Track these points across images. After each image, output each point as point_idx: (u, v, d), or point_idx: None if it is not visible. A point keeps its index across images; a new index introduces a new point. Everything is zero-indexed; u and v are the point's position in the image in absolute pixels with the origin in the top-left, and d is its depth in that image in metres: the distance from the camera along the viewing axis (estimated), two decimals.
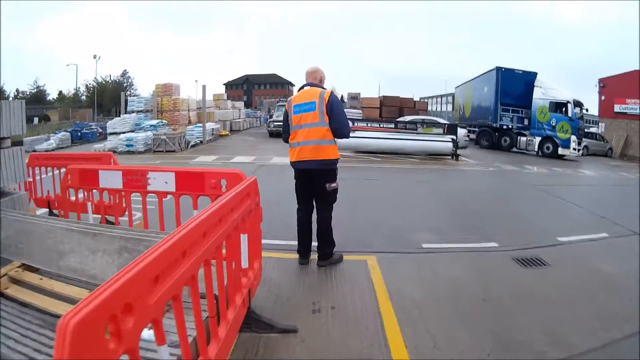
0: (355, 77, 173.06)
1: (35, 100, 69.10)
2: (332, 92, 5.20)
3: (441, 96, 77.57)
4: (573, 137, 24.80)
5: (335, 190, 5.56)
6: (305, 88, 5.40)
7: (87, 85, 73.05)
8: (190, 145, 23.85)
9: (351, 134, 19.50)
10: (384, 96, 36.65)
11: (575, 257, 6.46)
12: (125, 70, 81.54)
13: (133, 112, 27.28)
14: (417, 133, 20.52)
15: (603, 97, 38.64)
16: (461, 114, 36.73)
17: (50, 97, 76.75)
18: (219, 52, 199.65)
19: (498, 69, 27.66)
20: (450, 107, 50.54)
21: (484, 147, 28.11)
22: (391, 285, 5.06)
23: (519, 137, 27.64)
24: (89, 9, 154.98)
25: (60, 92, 78.69)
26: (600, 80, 38.90)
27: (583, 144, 27.16)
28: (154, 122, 24.92)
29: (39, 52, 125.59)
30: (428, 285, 5.16)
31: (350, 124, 19.87)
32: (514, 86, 27.38)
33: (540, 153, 25.85)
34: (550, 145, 25.50)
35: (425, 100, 51.19)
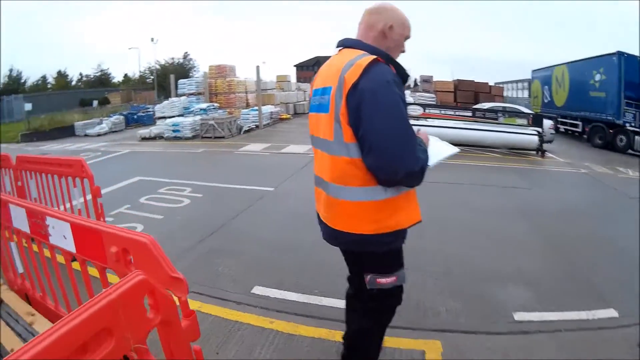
0: (425, 60, 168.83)
1: (100, 84, 70.92)
2: (372, 65, 2.31)
3: (517, 81, 73.93)
4: None
5: (389, 292, 2.70)
6: (335, 53, 2.73)
7: (149, 68, 73.73)
8: (242, 130, 22.22)
9: (420, 122, 16.56)
10: (458, 80, 34.67)
11: None
12: (186, 52, 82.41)
13: (184, 95, 25.79)
14: (497, 123, 17.84)
15: None
16: (546, 102, 32.60)
17: (115, 80, 78.01)
18: (290, 34, 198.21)
19: (620, 54, 23.24)
20: (527, 94, 47.33)
21: (596, 146, 23.98)
22: None
23: (635, 137, 23.06)
24: None
25: (126, 75, 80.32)
26: None
27: None
28: (205, 105, 23.59)
29: (103, 38, 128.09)
30: None
31: (418, 111, 18.09)
32: (636, 76, 23.22)
33: None
34: None
35: (501, 85, 47.91)
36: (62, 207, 6.33)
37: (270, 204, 8.70)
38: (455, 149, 2.93)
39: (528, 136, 17.59)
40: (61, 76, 71.64)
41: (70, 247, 2.79)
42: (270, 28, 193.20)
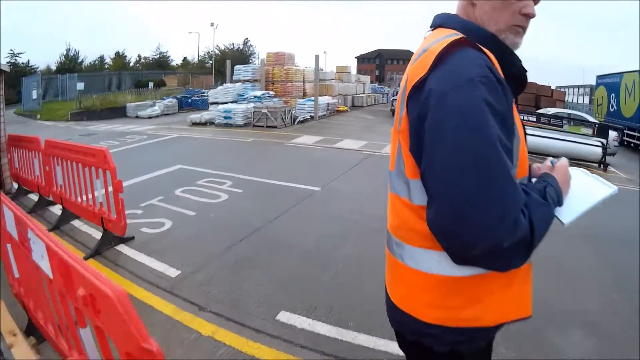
0: None
1: (158, 66, 71.92)
2: (450, 50, 1.35)
3: (579, 87, 71.79)
4: None
5: None
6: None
7: (208, 53, 74.28)
8: (297, 120, 21.44)
9: None
10: None
11: None
12: (247, 38, 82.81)
13: (239, 81, 25.23)
14: (561, 131, 16.54)
15: None
16: (612, 111, 30.55)
17: (174, 63, 79.02)
18: (353, 25, 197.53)
19: None
20: (587, 100, 45.73)
21: None
22: None
23: None
24: None
25: (185, 59, 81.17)
26: None
27: None
28: (259, 93, 22.95)
29: (163, 21, 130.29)
30: None
31: None
32: None
33: None
34: None
35: (563, 89, 46.15)
36: (84, 198, 6.07)
37: (314, 206, 7.92)
38: (614, 188, 1.68)
39: (592, 147, 16.31)
40: (119, 57, 72.94)
41: (47, 270, 2.44)
42: (334, 18, 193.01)
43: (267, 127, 19.29)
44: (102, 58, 70.87)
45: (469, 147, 1.23)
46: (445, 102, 1.27)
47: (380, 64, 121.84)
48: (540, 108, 29.72)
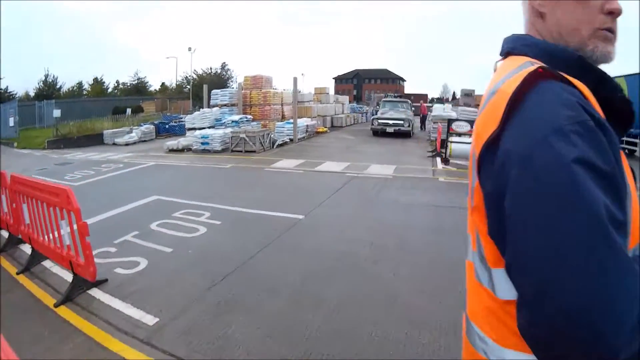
0: (469, 77, 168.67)
1: (137, 92, 71.81)
2: (526, 90, 1.01)
3: None
4: None
5: None
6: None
7: (186, 77, 74.21)
8: (276, 144, 21.03)
9: (467, 138, 15.76)
10: None
11: None
12: (224, 62, 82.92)
13: (216, 105, 24.91)
14: None
15: None
16: None
17: (152, 89, 78.97)
18: (331, 46, 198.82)
19: None
20: None
21: None
22: None
23: None
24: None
25: (163, 84, 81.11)
26: None
27: None
28: (237, 117, 22.66)
29: (142, 47, 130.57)
30: None
31: (465, 127, 16.83)
32: None
33: None
34: None
35: None
36: (51, 238, 5.67)
37: (298, 237, 7.46)
38: None
39: None
40: (97, 83, 72.69)
41: None
42: (311, 39, 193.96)
43: (246, 151, 18.87)
44: (80, 84, 70.72)
45: (567, 235, 0.87)
46: (528, 170, 0.95)
47: (358, 83, 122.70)
48: None
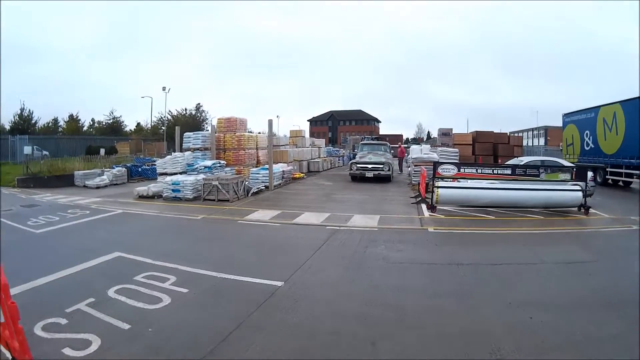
0: (442, 114, 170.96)
1: (112, 131, 71.58)
2: None
3: (533, 129, 74.26)
4: None
5: None
6: None
7: (161, 118, 73.84)
8: (251, 192, 20.25)
9: (454, 184, 14.74)
10: (476, 132, 33.44)
11: None
12: (199, 103, 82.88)
13: (189, 149, 23.99)
14: (539, 180, 15.94)
15: None
16: (587, 149, 29.35)
17: (127, 129, 78.64)
18: (305, 88, 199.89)
19: None
20: (542, 141, 46.04)
21: None
22: None
23: None
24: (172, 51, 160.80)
25: (138, 124, 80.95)
26: None
27: None
28: (210, 162, 21.76)
29: (119, 86, 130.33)
30: None
31: (452, 170, 15.95)
32: None
33: None
34: None
35: (519, 134, 46.88)
36: None
37: (278, 311, 6.43)
38: None
39: (571, 193, 15.91)
40: (73, 120, 72.11)
41: None
42: (286, 82, 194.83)
43: (219, 200, 17.98)
44: (56, 120, 70.52)
45: None
46: None
47: (333, 125, 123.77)
48: (498, 156, 29.64)
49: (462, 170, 15.97)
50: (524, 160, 21.07)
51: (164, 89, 65.71)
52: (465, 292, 7.23)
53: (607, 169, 25.78)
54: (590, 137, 28.85)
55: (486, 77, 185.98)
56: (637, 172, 23.47)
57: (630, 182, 25.16)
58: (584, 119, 30.05)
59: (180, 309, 6.50)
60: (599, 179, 25.82)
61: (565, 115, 33.07)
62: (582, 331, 5.74)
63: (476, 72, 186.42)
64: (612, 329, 5.80)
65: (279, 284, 7.59)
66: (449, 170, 15.75)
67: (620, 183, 26.05)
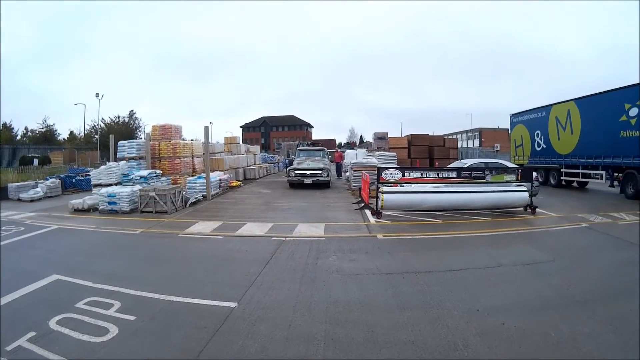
0: (374, 118, 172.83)
1: (45, 140, 69.17)
2: None
3: (467, 132, 76.11)
4: None
5: None
6: None
7: (94, 126, 71.66)
8: (189, 202, 19.67)
9: (399, 188, 14.79)
10: (412, 135, 34.48)
11: None
12: (132, 110, 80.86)
13: (123, 159, 23.19)
14: (485, 182, 16.17)
15: None
16: (538, 150, 28.39)
17: (61, 137, 76.11)
18: (236, 95, 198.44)
19: None
20: (477, 143, 46.70)
21: (630, 197, 20.25)
22: None
23: None
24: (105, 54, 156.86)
25: (72, 133, 78.44)
26: None
27: None
28: (145, 172, 20.90)
29: (51, 93, 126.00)
30: None
31: (397, 175, 15.72)
32: None
33: None
34: None
35: (454, 137, 47.81)
36: None
37: (236, 338, 5.87)
38: None
39: (518, 193, 16.42)
40: (6, 129, 69.10)
41: None
42: (218, 88, 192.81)
43: (157, 212, 17.26)
44: None
45: None
46: None
47: (266, 131, 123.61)
48: (434, 158, 29.95)
49: (406, 174, 15.91)
50: (468, 162, 21.02)
51: (97, 95, 64.12)
52: (430, 303, 7.09)
53: (561, 170, 25.36)
54: (542, 137, 28.11)
55: (416, 80, 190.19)
56: (598, 172, 22.71)
57: (587, 183, 24.92)
58: (534, 119, 29.26)
59: (130, 341, 5.91)
60: (552, 181, 26.35)
61: (514, 115, 32.31)
62: (556, 332, 5.79)
63: (406, 76, 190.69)
64: (584, 328, 5.89)
65: (232, 304, 7.09)
66: (393, 175, 15.63)
67: (575, 184, 25.92)
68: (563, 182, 25.79)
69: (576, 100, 24.53)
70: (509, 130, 34.11)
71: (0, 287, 8.02)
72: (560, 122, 25.86)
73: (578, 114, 24.27)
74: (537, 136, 28.55)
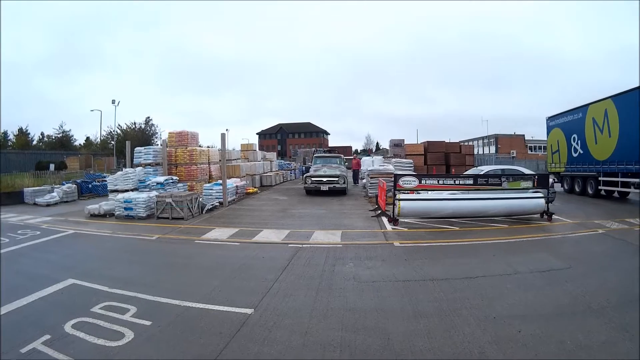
0: (389, 125, 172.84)
1: (61, 146, 69.82)
2: None
3: (483, 138, 75.76)
4: None
5: None
6: None
7: (110, 132, 72.09)
8: (205, 209, 19.63)
9: (415, 195, 14.57)
10: (428, 142, 33.77)
11: None
12: (148, 117, 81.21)
13: (140, 165, 23.26)
14: (501, 189, 15.98)
15: None
16: (575, 156, 25.45)
17: (77, 143, 76.71)
18: (253, 102, 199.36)
19: None
20: (493, 149, 46.17)
21: None
22: None
23: None
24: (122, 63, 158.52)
25: (88, 138, 79.05)
26: None
27: None
28: (162, 178, 20.93)
29: (68, 100, 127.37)
30: None
31: (414, 182, 15.56)
32: None
33: None
34: None
35: (469, 143, 47.50)
36: None
37: (252, 344, 5.85)
38: None
39: (534, 200, 16.17)
40: (22, 134, 69.95)
41: None
42: (234, 95, 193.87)
43: (173, 218, 17.31)
44: (5, 134, 67.89)
45: None
46: None
47: (282, 138, 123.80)
48: (451, 165, 29.69)
49: (423, 181, 15.79)
50: (484, 169, 20.73)
51: (113, 102, 64.54)
52: (446, 310, 7.00)
53: (599, 178, 22.75)
54: (579, 142, 25.28)
55: (430, 88, 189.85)
56: (637, 180, 19.83)
57: (628, 193, 21.65)
58: (570, 121, 26.48)
59: (146, 346, 5.90)
60: (590, 190, 23.95)
61: (549, 119, 29.51)
62: (572, 340, 5.69)
63: (420, 84, 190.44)
64: (601, 336, 5.80)
65: (249, 311, 7.06)
66: (410, 182, 15.49)
67: (616, 194, 23.34)
68: (602, 192, 23.34)
69: (614, 97, 21.58)
70: (546, 135, 30.62)
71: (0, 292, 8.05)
72: (597, 123, 23.02)
73: (616, 113, 21.32)
74: (574, 141, 25.86)
